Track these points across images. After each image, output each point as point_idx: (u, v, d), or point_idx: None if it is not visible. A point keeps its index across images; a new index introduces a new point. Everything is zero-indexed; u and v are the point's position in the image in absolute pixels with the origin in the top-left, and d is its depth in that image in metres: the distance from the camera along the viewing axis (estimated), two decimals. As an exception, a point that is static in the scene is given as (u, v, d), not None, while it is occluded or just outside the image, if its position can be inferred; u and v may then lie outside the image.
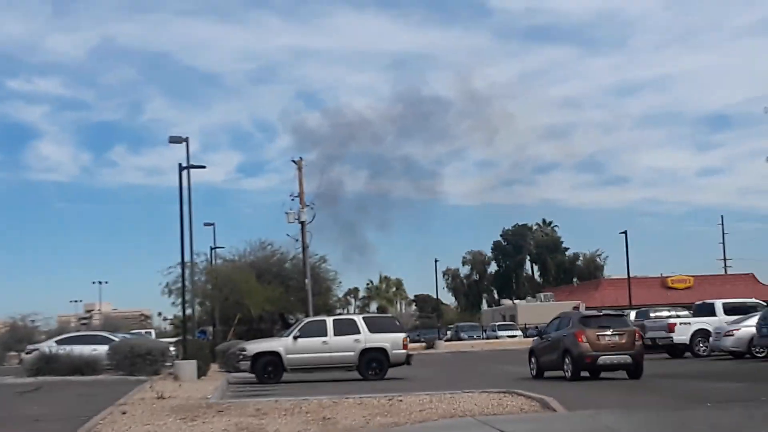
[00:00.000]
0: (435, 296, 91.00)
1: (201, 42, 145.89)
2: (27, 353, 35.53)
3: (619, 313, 27.88)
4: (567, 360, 22.79)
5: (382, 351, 26.81)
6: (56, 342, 34.51)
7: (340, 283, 60.90)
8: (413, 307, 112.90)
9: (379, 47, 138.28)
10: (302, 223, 47.77)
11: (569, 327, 23.48)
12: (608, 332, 22.68)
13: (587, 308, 71.07)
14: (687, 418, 13.53)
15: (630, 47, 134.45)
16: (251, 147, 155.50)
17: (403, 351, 26.98)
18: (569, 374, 22.68)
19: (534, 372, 25.14)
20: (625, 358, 22.36)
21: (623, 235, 62.08)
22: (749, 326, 29.83)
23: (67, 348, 31.80)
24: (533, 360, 25.47)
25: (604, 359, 22.27)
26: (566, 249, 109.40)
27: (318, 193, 49.19)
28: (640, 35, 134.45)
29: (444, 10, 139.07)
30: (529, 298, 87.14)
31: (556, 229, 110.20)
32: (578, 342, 22.37)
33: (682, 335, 33.57)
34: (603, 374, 23.03)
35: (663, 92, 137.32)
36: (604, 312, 26.66)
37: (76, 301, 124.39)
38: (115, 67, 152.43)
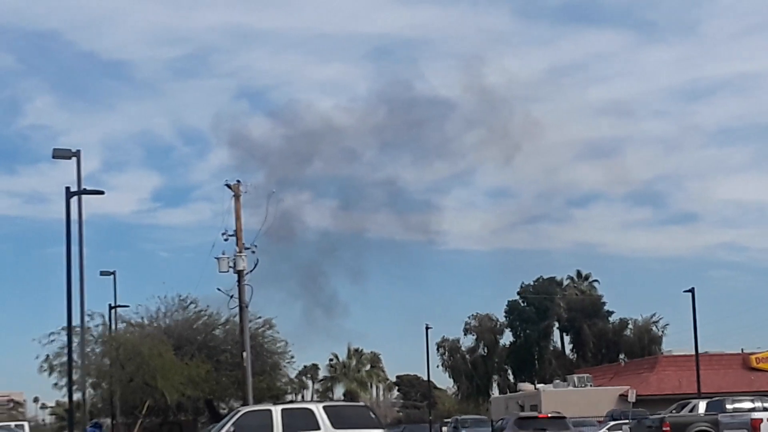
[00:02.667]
0: (426, 378, 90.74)
1: (103, 18, 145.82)
2: None
3: (561, 416, 32.89)
4: None
5: (349, 456, 26.75)
6: None
7: (293, 358, 60.71)
8: (395, 392, 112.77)
9: (355, 29, 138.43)
10: (239, 272, 47.48)
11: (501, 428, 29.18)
12: None
13: (638, 396, 71.14)
14: None
15: (700, 34, 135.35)
16: (173, 165, 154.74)
17: (381, 456, 26.95)
18: None
19: None
20: None
21: (689, 293, 62.18)
22: None
23: None
24: None
25: None
26: (610, 313, 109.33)
27: (265, 230, 48.77)
28: (715, 18, 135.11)
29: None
30: (557, 381, 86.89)
31: (595, 285, 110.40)
32: None
33: (771, 435, 33.67)
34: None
35: (745, 96, 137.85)
36: (542, 414, 33.06)
37: None
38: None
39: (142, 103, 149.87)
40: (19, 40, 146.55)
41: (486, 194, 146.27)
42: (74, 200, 32.82)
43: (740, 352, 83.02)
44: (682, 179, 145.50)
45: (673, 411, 43.03)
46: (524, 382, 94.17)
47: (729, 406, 39.56)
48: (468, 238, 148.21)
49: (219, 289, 49.96)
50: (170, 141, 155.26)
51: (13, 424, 65.09)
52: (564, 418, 32.77)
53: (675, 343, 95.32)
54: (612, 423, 51.39)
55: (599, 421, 54.77)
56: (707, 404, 41.74)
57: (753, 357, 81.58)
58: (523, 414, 34.67)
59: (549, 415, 32.94)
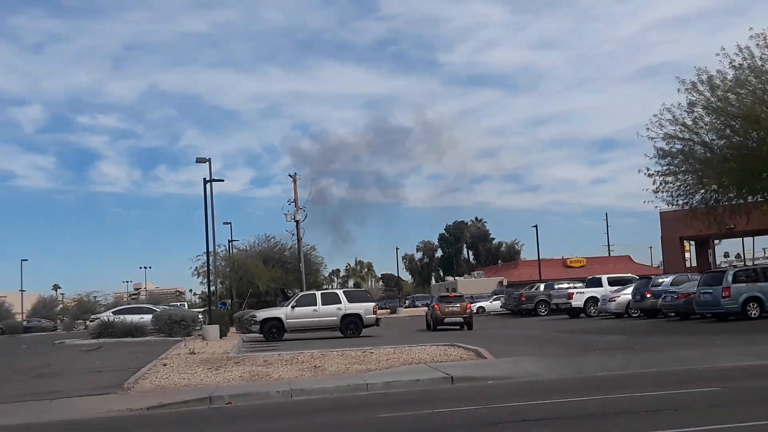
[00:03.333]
0: (396, 275, 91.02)
1: (224, 87, 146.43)
2: (90, 321, 35.17)
3: (459, 294, 33.30)
4: (429, 320, 29.46)
5: (357, 316, 26.78)
6: (113, 312, 34.14)
7: (326, 266, 60.89)
8: (381, 283, 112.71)
9: (357, 91, 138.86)
10: (297, 222, 47.49)
11: (432, 302, 29.95)
12: (450, 306, 28.99)
13: (508, 282, 71.48)
14: (583, 362, 13.68)
15: (541, 91, 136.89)
16: (260, 166, 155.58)
17: (374, 316, 26.99)
18: (431, 328, 28.72)
19: (426, 327, 29.95)
20: (458, 319, 28.48)
21: (534, 228, 62.45)
22: (627, 294, 30.22)
23: (121, 317, 31.49)
24: (427, 319, 30.58)
25: (448, 320, 28.55)
26: (493, 239, 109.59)
27: (310, 198, 48.71)
28: (549, 82, 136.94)
29: (405, 63, 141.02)
30: (466, 275, 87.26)
31: (485, 224, 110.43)
32: (434, 310, 29.16)
33: (578, 301, 33.93)
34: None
35: (565, 123, 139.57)
36: (452, 293, 34.26)
37: (127, 282, 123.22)
38: (158, 106, 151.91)
39: (244, 133, 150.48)
40: (179, 99, 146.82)
41: (427, 177, 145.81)
42: (208, 185, 32.62)
43: (561, 258, 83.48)
44: (530, 168, 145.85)
45: (527, 289, 43.48)
46: (448, 276, 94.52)
47: (556, 286, 39.89)
48: (418, 200, 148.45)
49: (286, 231, 50.27)
50: (258, 152, 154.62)
51: (178, 303, 65.19)
52: (462, 295, 33.12)
53: (527, 254, 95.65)
54: (495, 296, 51.76)
55: (488, 295, 55.12)
56: (544, 286, 42.12)
57: (568, 260, 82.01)
58: (442, 294, 35.22)
59: (453, 294, 33.90)
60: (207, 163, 33.52)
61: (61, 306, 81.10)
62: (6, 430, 9.80)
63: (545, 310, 38.28)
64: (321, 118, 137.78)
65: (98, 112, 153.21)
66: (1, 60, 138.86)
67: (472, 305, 32.12)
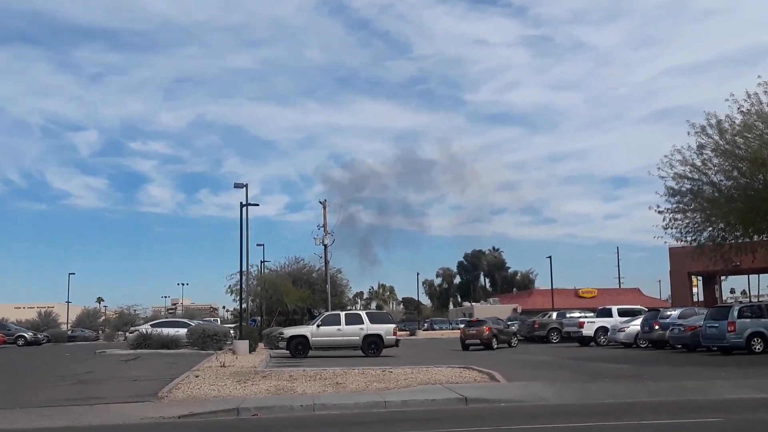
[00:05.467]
0: (416, 299, 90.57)
1: (264, 118, 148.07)
2: (130, 333, 35.40)
3: (480, 319, 35.40)
4: (460, 341, 33.10)
5: (378, 336, 26.65)
6: (151, 325, 34.36)
7: (350, 288, 60.70)
8: (401, 306, 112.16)
9: (387, 124, 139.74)
10: (325, 246, 47.67)
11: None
12: (471, 329, 32.77)
13: (522, 310, 70.77)
14: (590, 388, 13.48)
15: (559, 129, 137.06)
16: (294, 192, 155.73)
17: (394, 337, 26.84)
18: (461, 347, 32.10)
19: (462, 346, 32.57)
20: (477, 341, 31.98)
21: (549, 259, 61.94)
22: (636, 325, 29.76)
23: (158, 330, 31.66)
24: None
25: (468, 341, 32.29)
26: (509, 268, 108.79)
27: (338, 224, 49.10)
28: (567, 121, 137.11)
29: (433, 100, 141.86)
30: (482, 301, 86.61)
31: (502, 253, 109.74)
32: (460, 334, 33.43)
33: (588, 330, 33.43)
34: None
35: (581, 160, 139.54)
36: (474, 318, 37.05)
37: (165, 297, 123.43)
38: (204, 134, 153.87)
39: (281, 161, 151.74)
40: (222, 129, 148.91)
41: (450, 207, 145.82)
42: (244, 209, 32.89)
43: (573, 288, 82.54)
44: (547, 201, 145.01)
45: (540, 317, 43.00)
46: (465, 301, 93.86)
47: (568, 315, 39.42)
48: (440, 229, 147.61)
49: (315, 254, 50.35)
50: (294, 179, 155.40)
51: (212, 319, 65.42)
52: (482, 320, 34.59)
53: (541, 283, 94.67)
54: (509, 322, 51.21)
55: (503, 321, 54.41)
56: (557, 314, 41.64)
57: (580, 291, 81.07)
58: (466, 319, 37.29)
59: (475, 319, 35.39)
60: (244, 188, 33.82)
61: (103, 318, 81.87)
62: (47, 431, 9.90)
63: (557, 338, 37.86)
64: (353, 149, 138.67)
65: (149, 138, 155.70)
66: (63, 89, 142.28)
67: (491, 328, 33.00)
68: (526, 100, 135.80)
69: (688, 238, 26.62)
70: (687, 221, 26.02)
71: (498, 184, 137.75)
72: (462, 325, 35.69)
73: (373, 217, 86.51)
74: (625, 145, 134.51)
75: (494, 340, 32.37)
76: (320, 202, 49.47)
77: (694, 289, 56.11)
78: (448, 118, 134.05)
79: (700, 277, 55.48)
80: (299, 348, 26.45)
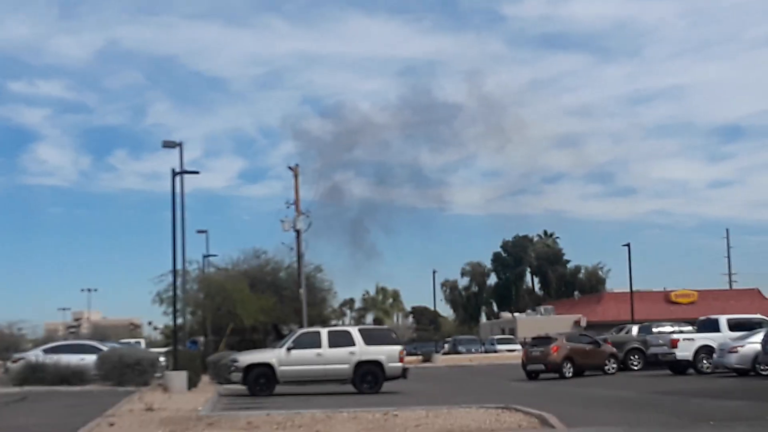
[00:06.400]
0: (433, 308, 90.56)
1: (207, 46, 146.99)
2: (13, 362, 35.44)
3: (547, 336, 36.72)
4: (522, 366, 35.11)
5: (377, 364, 26.73)
6: (43, 351, 34.44)
7: (336, 293, 60.65)
8: (410, 319, 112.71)
9: (389, 53, 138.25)
10: (298, 231, 47.79)
11: None
12: (533, 350, 34.55)
13: (588, 323, 71.06)
14: (690, 437, 13.50)
15: (644, 56, 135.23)
16: (254, 153, 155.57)
17: (399, 364, 26.93)
18: (525, 376, 34.09)
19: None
20: (539, 366, 33.57)
21: (626, 247, 62.00)
22: (754, 343, 29.79)
23: (55, 357, 31.74)
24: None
25: (530, 367, 34.01)
26: (568, 261, 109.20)
27: (319, 199, 49.12)
28: (655, 44, 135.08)
29: (456, 15, 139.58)
30: (528, 311, 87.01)
31: (557, 240, 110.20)
32: (522, 357, 35.87)
33: (685, 351, 33.49)
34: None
35: (676, 102, 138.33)
36: (544, 335, 37.23)
37: (64, 309, 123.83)
38: (119, 70, 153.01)
39: (233, 108, 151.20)
40: (146, 62, 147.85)
41: (482, 174, 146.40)
42: (177, 178, 32.86)
43: (663, 290, 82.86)
44: (626, 163, 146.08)
45: (613, 332, 43.03)
46: (504, 311, 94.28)
47: (655, 330, 39.44)
48: (467, 206, 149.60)
49: (283, 243, 50.45)
50: (253, 135, 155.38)
51: (133, 341, 65.69)
52: (550, 336, 36.06)
53: (615, 283, 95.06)
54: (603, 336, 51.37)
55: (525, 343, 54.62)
56: (639, 328, 41.68)
57: (672, 294, 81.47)
58: (534, 336, 39.63)
59: (542, 336, 37.10)
60: (177, 148, 33.87)
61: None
62: None
63: (639, 363, 37.98)
64: (339, 89, 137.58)
65: (37, 76, 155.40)
66: None
67: (561, 347, 34.06)
68: (594, 13, 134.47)
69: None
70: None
71: (553, 139, 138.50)
72: (525, 346, 38.51)
73: (370, 190, 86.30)
74: (741, 78, 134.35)
75: (567, 364, 33.37)
76: (290, 168, 49.57)
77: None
78: (479, 42, 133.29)
79: None
80: (261, 382, 26.53)
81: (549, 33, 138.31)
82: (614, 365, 35.81)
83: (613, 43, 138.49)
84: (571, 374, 33.26)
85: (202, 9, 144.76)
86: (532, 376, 33.87)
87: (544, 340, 35.18)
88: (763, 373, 28.92)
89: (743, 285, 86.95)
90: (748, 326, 32.95)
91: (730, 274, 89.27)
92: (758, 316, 36.59)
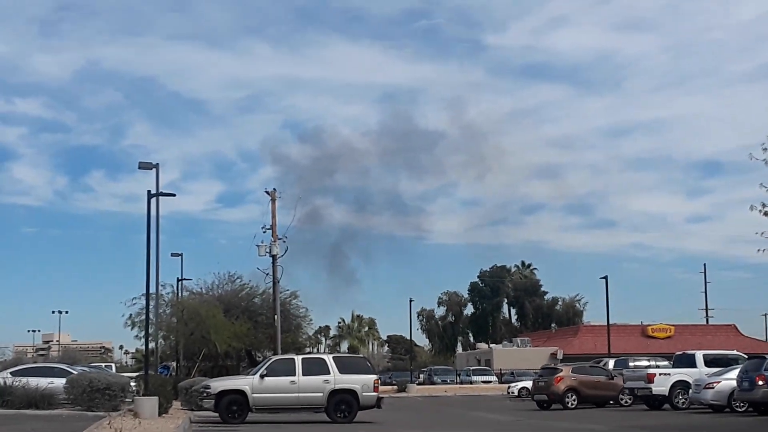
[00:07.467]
0: (409, 337, 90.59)
1: (188, 68, 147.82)
2: (-20, 384, 35.11)
3: (552, 366, 38.77)
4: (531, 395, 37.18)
5: (351, 393, 26.62)
6: (11, 373, 34.03)
7: (311, 320, 60.62)
8: (386, 348, 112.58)
9: (371, 79, 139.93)
10: (273, 256, 47.63)
11: None
12: (540, 380, 35.53)
13: (565, 355, 71.12)
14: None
15: (624, 89, 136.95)
16: (233, 177, 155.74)
17: (374, 393, 26.81)
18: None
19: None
20: (542, 397, 34.67)
21: (604, 280, 62.17)
22: (730, 379, 29.92)
23: (23, 380, 31.34)
24: None
25: (537, 397, 35.22)
26: (545, 293, 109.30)
27: (297, 224, 49.06)
28: (635, 77, 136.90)
29: (438, 44, 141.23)
30: (505, 342, 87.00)
31: (535, 272, 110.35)
32: (531, 387, 37.38)
33: (661, 386, 33.55)
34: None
35: (656, 136, 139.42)
36: (553, 365, 40.26)
37: (33, 331, 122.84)
38: (98, 90, 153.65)
39: (213, 131, 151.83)
40: (126, 82, 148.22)
41: (461, 203, 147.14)
42: (153, 200, 32.74)
43: (640, 324, 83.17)
44: (605, 195, 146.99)
45: (590, 366, 43.05)
46: (480, 342, 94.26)
47: (631, 364, 39.51)
48: (446, 235, 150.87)
49: (258, 269, 50.28)
50: (232, 159, 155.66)
51: (103, 364, 65.12)
52: (554, 367, 37.76)
53: (592, 316, 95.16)
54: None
55: (536, 372, 54.64)
56: (615, 362, 41.71)
57: (650, 328, 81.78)
58: (480, 368, 40.73)
59: (549, 366, 39.32)
60: (154, 169, 33.67)
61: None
62: None
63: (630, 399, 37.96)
64: (319, 114, 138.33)
65: (15, 94, 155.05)
66: None
67: (565, 377, 34.68)
68: (576, 45, 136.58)
69: (809, 252, 26.84)
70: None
71: (533, 169, 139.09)
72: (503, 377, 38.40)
73: (348, 216, 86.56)
74: (721, 113, 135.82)
75: (571, 395, 33.99)
76: (267, 192, 49.50)
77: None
78: (461, 71, 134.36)
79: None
80: (233, 409, 26.35)
81: (531, 63, 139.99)
82: (630, 398, 35.25)
83: (595, 75, 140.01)
84: (574, 405, 33.85)
85: (183, 30, 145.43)
86: (543, 406, 34.63)
87: (550, 371, 36.15)
88: (739, 409, 29.03)
89: (720, 320, 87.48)
90: (725, 362, 33.11)
91: (707, 309, 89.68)
92: (734, 352, 36.75)
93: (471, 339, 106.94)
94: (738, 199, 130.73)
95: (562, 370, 35.36)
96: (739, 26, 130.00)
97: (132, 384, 33.92)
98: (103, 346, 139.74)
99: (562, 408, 33.68)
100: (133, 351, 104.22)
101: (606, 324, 63.79)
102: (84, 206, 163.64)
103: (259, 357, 49.57)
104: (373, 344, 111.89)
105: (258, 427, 23.50)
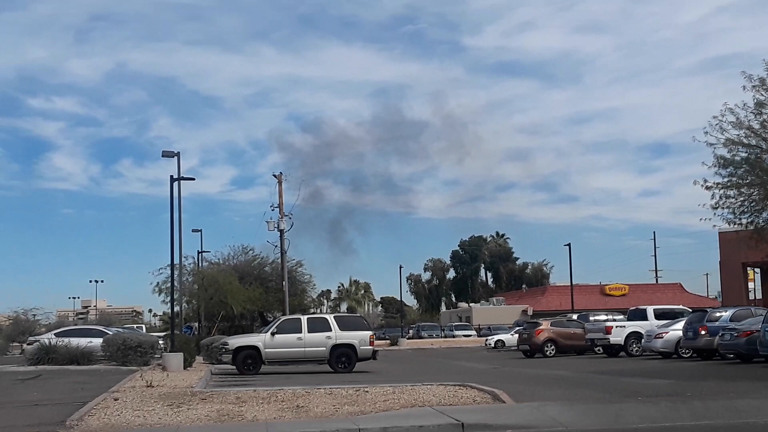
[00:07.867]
0: (399, 299, 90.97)
1: (204, 68, 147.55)
2: (28, 344, 35.16)
3: (534, 321, 38.32)
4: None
5: (350, 347, 26.76)
6: (55, 334, 34.13)
7: (314, 285, 60.80)
8: (379, 308, 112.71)
9: (364, 77, 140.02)
10: (281, 231, 47.63)
11: None
12: (525, 332, 35.88)
13: (534, 312, 71.44)
14: (621, 410, 13.65)
15: (584, 83, 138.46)
16: (244, 163, 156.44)
17: (370, 347, 26.96)
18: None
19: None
20: (525, 347, 35.36)
21: (568, 247, 62.43)
22: (677, 330, 30.14)
23: (65, 340, 31.46)
24: None
25: (522, 346, 35.70)
26: (517, 259, 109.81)
27: (298, 204, 49.07)
28: (593, 73, 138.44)
29: (422, 45, 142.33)
30: (482, 301, 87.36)
31: (508, 240, 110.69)
32: (518, 339, 37.44)
33: (617, 337, 33.80)
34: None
35: (611, 122, 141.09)
36: (529, 321, 40.43)
37: (74, 298, 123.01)
38: (126, 89, 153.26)
39: (226, 123, 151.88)
40: (150, 82, 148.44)
41: (444, 183, 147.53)
42: (176, 184, 32.68)
43: (599, 284, 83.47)
44: (567, 174, 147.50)
45: (556, 320, 43.34)
46: (461, 302, 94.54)
47: (591, 318, 39.74)
48: (430, 210, 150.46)
49: (268, 242, 50.38)
50: (243, 147, 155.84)
51: (135, 326, 65.19)
52: (535, 322, 37.67)
53: (558, 278, 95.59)
54: (517, 328, 51.63)
55: (509, 327, 54.98)
56: (578, 317, 41.95)
57: (607, 287, 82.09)
58: (460, 324, 41.03)
59: (532, 321, 40.33)
60: (175, 157, 33.58)
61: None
62: None
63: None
64: (319, 108, 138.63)
65: (54, 93, 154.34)
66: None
67: (545, 330, 35.24)
68: (542, 45, 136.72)
69: (743, 221, 26.82)
70: (742, 199, 26.22)
71: (505, 153, 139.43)
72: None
73: (345, 195, 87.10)
74: (668, 102, 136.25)
75: (550, 345, 34.60)
76: (274, 176, 49.43)
77: (751, 285, 57.01)
78: (442, 69, 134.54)
79: (757, 270, 56.35)
80: (248, 362, 26.49)
81: (503, 61, 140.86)
82: (600, 348, 35.56)
83: (558, 71, 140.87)
84: (552, 354, 34.47)
85: (200, 36, 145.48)
86: (527, 354, 35.28)
87: (532, 324, 36.75)
88: (685, 356, 29.27)
89: (667, 280, 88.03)
90: (672, 315, 33.34)
91: (656, 271, 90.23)
92: (680, 306, 37.02)
93: (453, 299, 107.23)
94: (683, 175, 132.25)
95: (542, 324, 35.63)
96: (684, 27, 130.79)
97: (160, 342, 34.01)
98: (135, 310, 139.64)
99: (542, 356, 34.17)
100: (161, 314, 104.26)
101: (569, 284, 64.13)
102: (115, 190, 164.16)
103: (270, 317, 49.62)
104: (368, 305, 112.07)
105: (270, 378, 23.58)
